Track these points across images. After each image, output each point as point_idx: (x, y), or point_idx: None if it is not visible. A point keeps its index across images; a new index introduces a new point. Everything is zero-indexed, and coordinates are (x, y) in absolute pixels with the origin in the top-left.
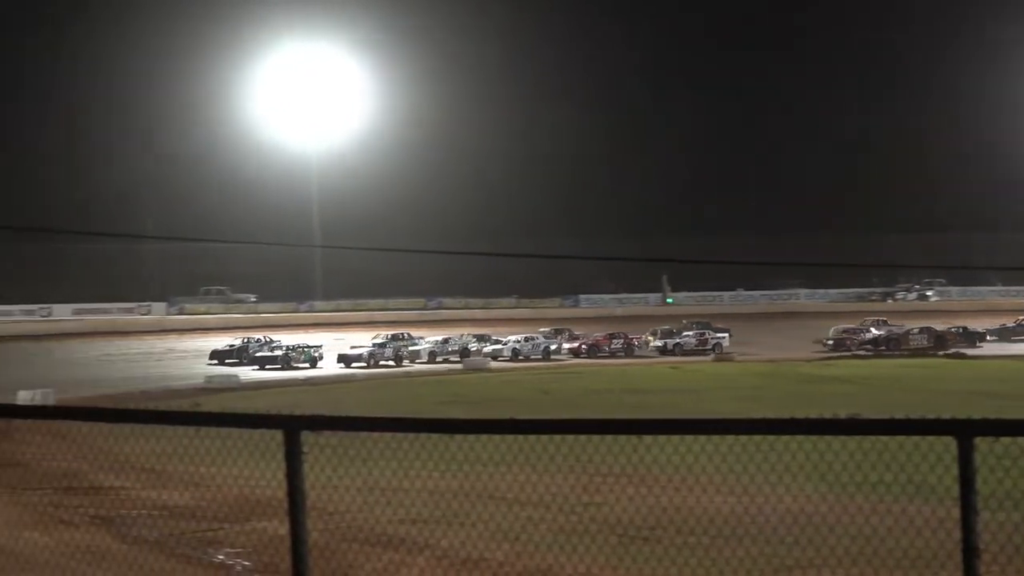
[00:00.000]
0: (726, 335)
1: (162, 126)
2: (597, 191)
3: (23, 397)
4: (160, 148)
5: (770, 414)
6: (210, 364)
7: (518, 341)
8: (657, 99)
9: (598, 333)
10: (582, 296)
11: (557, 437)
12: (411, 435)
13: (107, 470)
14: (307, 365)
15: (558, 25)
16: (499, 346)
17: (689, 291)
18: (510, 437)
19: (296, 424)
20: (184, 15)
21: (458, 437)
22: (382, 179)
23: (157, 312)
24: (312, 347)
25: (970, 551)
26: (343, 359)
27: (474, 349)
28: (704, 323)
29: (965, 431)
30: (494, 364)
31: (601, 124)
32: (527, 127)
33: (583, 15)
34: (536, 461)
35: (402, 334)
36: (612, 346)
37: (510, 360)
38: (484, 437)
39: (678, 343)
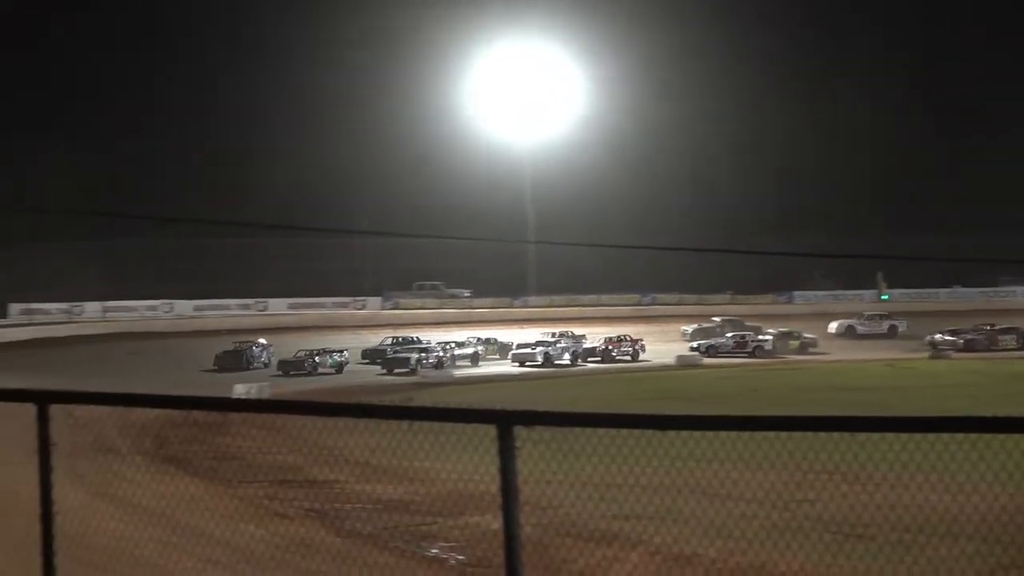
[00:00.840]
0: (769, 337)
1: (378, 122)
2: (811, 186)
3: (239, 391)
4: (376, 144)
5: (985, 412)
6: (211, 371)
7: (547, 344)
8: (875, 95)
9: (604, 336)
10: (796, 293)
11: (771, 434)
12: (624, 430)
13: (322, 464)
14: (333, 371)
15: (768, 21)
16: (527, 350)
17: (905, 287)
18: (723, 434)
19: (509, 419)
20: (398, 13)
21: (671, 433)
22: (596, 174)
23: (372, 307)
24: (337, 352)
25: None
26: (387, 364)
27: (480, 352)
28: (737, 322)
29: None
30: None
31: (817, 119)
32: (740, 122)
33: (800, 10)
34: (749, 458)
35: (413, 338)
36: (620, 351)
37: (540, 366)
38: (697, 433)
39: (712, 345)
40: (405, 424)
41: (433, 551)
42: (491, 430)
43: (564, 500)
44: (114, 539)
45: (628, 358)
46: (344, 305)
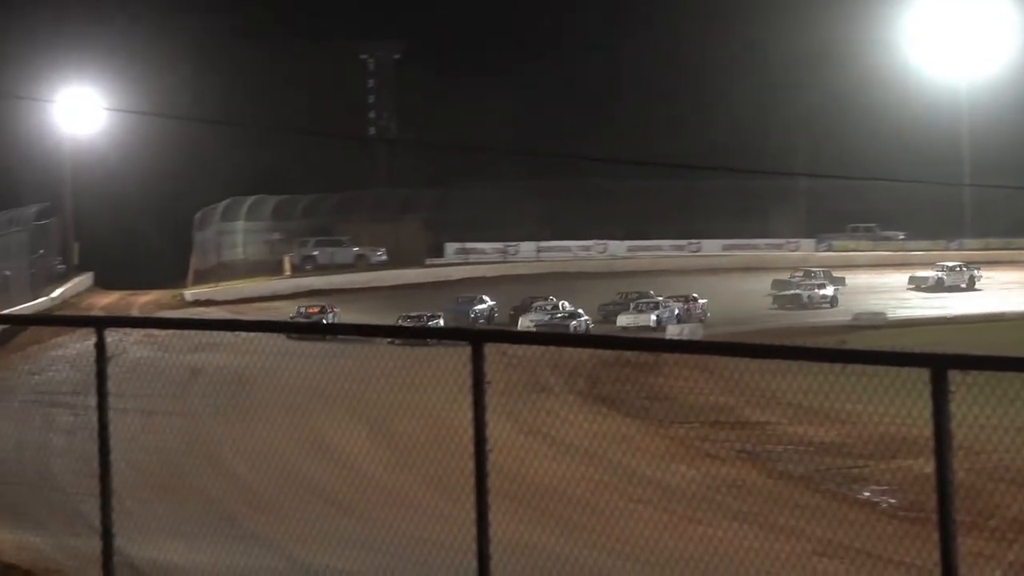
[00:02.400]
0: (831, 290)
1: (811, 61)
2: None
3: (671, 332)
4: (809, 84)
5: None
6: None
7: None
8: None
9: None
10: None
11: None
12: None
13: (754, 405)
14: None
15: None
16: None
17: None
18: None
19: (944, 362)
20: None
21: None
22: None
23: (805, 248)
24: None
25: None
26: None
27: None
28: (827, 272)
29: None
30: None
31: None
32: None
33: None
34: None
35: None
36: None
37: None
38: None
39: (784, 295)
40: (838, 367)
41: (864, 494)
42: (924, 374)
43: (998, 445)
44: (547, 477)
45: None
46: (778, 247)
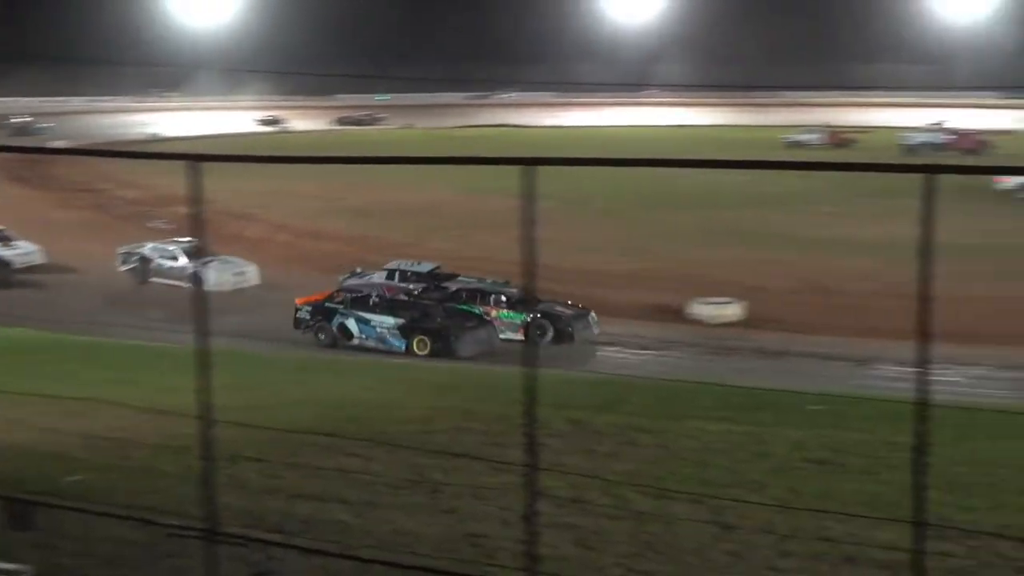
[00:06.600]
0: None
1: None
2: None
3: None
4: None
5: None
6: None
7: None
8: None
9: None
10: None
11: None
12: None
13: (106, 183)
14: None
15: None
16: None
17: None
18: None
19: (535, 162)
20: None
21: None
22: None
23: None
24: None
25: None
26: None
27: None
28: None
29: None
30: None
31: None
32: None
33: None
34: None
35: None
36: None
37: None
38: None
39: None
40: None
41: (156, 223)
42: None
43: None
44: None
45: None
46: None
